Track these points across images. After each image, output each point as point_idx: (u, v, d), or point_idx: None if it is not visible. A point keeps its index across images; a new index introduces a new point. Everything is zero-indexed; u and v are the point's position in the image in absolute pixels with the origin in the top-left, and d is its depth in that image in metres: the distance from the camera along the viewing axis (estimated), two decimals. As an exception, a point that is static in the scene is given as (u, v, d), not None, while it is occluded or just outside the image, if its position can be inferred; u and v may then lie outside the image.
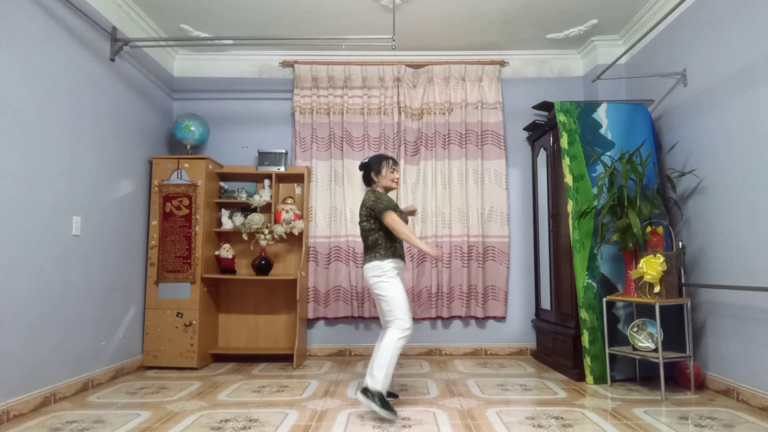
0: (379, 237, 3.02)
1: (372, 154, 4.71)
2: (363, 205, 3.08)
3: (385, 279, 2.94)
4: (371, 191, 3.09)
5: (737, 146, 3.13)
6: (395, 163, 3.18)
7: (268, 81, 4.91)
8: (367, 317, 4.61)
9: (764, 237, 2.90)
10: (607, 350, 3.49)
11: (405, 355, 4.58)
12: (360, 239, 4.61)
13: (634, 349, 3.38)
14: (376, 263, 2.97)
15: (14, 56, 2.85)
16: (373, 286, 2.98)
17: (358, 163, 3.24)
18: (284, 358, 4.44)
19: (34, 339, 2.96)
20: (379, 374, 2.79)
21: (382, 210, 2.95)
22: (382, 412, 2.71)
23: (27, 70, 2.95)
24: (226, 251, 4.44)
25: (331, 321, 4.68)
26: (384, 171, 3.12)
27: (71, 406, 3.03)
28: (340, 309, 4.61)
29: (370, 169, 3.15)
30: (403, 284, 2.99)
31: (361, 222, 3.09)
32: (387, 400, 2.78)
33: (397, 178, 3.18)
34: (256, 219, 4.33)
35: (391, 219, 2.92)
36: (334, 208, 4.68)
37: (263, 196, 4.50)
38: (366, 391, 2.79)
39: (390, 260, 2.98)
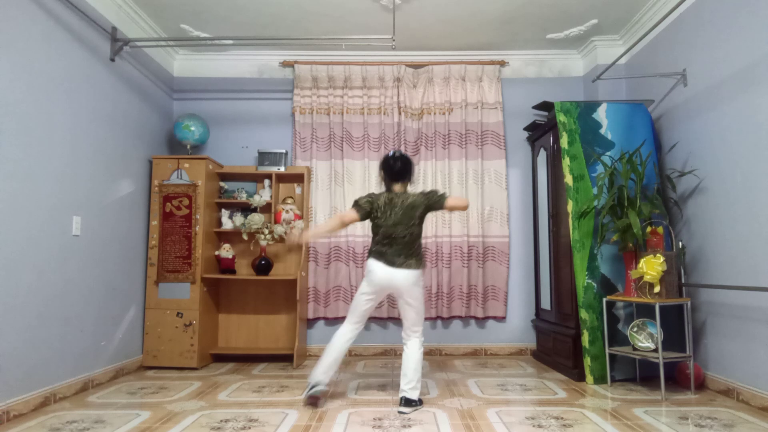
0: (421, 241, 3.08)
1: (376, 154, 4.72)
2: (415, 206, 2.96)
3: (422, 286, 3.05)
4: (420, 192, 3.03)
5: (737, 146, 3.13)
6: None
7: (268, 81, 4.90)
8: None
9: (764, 237, 2.90)
10: (607, 350, 3.49)
11: (405, 355, 4.58)
12: (359, 240, 4.65)
13: (634, 349, 3.38)
14: (420, 271, 3.00)
15: (14, 56, 2.85)
16: (413, 293, 2.97)
17: (393, 152, 3.11)
18: (284, 358, 4.44)
19: (33, 339, 2.96)
20: (419, 384, 2.97)
21: (443, 195, 3.00)
22: (420, 406, 2.97)
23: (27, 71, 2.94)
24: (226, 251, 4.44)
25: (331, 321, 4.67)
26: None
27: (71, 406, 3.03)
28: (340, 309, 4.61)
29: (412, 170, 3.11)
30: None
31: (413, 225, 2.97)
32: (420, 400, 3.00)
33: None
34: (256, 219, 4.33)
35: (452, 197, 3.00)
36: (334, 208, 4.67)
37: (263, 196, 4.50)
38: (410, 402, 2.91)
39: None
